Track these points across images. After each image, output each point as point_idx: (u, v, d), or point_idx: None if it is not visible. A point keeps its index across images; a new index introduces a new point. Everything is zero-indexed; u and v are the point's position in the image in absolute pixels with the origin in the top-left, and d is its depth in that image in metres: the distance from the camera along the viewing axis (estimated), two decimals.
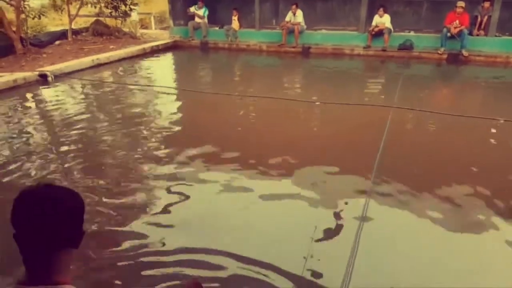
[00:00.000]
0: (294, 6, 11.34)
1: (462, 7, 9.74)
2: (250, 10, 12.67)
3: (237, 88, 7.46)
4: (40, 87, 7.42)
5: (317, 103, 6.26)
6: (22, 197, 0.98)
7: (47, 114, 5.85)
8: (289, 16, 11.50)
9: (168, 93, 7.12)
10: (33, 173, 3.87)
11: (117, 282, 2.45)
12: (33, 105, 6.50)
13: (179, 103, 6.82)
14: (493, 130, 5.11)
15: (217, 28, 12.94)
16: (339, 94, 6.95)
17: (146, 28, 16.77)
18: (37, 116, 5.80)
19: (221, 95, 6.76)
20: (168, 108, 6.21)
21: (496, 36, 10.17)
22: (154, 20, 17.07)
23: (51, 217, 0.97)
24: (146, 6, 18.78)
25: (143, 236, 2.85)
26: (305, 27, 11.54)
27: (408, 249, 2.79)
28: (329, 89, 7.51)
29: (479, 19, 10.27)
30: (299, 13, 11.36)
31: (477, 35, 10.26)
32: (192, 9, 12.58)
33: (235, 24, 12.19)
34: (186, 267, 2.52)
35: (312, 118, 5.85)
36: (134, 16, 15.96)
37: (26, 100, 6.74)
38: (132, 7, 13.77)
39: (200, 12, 12.46)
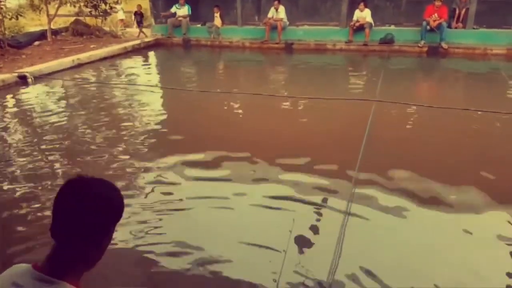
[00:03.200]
0: (276, 2, 11.36)
1: (440, 0, 9.91)
2: (232, 7, 12.63)
3: (221, 85, 7.45)
4: (20, 89, 7.28)
5: (296, 96, 6.32)
6: (68, 183, 0.98)
7: (27, 117, 5.75)
8: (271, 12, 11.52)
9: (151, 92, 7.07)
10: (14, 176, 3.81)
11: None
12: (12, 107, 6.38)
13: (162, 101, 6.79)
14: (474, 121, 5.24)
15: (199, 25, 12.88)
16: (322, 89, 7.01)
17: (127, 26, 16.57)
18: (17, 119, 5.70)
19: (205, 93, 6.75)
20: (151, 106, 6.18)
21: (473, 28, 10.37)
22: (135, 18, 16.86)
23: (88, 209, 0.96)
24: (127, 4, 18.53)
25: (125, 236, 2.85)
26: (287, 23, 11.58)
27: (393, 240, 2.86)
28: (313, 84, 7.56)
29: (457, 12, 10.47)
30: (282, 9, 11.39)
31: (456, 27, 10.46)
32: (173, 9, 12.49)
33: (217, 21, 12.14)
34: (170, 265, 2.54)
35: (296, 113, 5.89)
36: (121, 14, 15.77)
37: (5, 102, 6.60)
38: (113, 5, 13.58)
39: (184, 10, 12.37)
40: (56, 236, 0.97)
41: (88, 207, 0.96)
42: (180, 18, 12.39)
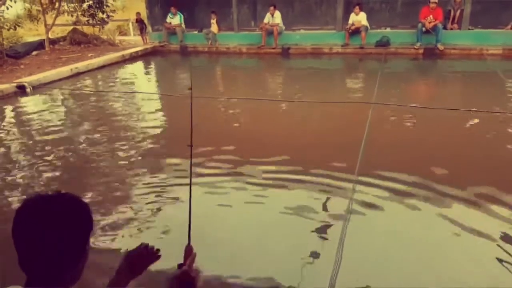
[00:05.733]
0: (272, 8, 11.42)
1: (435, 2, 9.96)
2: (228, 12, 12.70)
3: (219, 90, 7.49)
4: (19, 99, 7.31)
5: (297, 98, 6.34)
6: (24, 207, 0.91)
7: (26, 127, 5.77)
8: (267, 18, 11.58)
9: (150, 99, 7.11)
10: (12, 188, 3.83)
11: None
12: (11, 118, 6.40)
13: (160, 108, 6.81)
14: (473, 121, 5.25)
15: (196, 32, 12.94)
16: (320, 92, 7.04)
17: (124, 34, 16.64)
18: (16, 129, 5.73)
19: (205, 99, 6.76)
20: (150, 114, 6.19)
21: (469, 29, 10.42)
22: (132, 26, 16.95)
23: (52, 230, 0.89)
24: (124, 13, 18.65)
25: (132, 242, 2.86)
26: (283, 28, 11.63)
27: (393, 246, 2.87)
28: (310, 88, 7.59)
29: (452, 13, 10.52)
30: (277, 14, 11.44)
31: (451, 29, 10.50)
32: (168, 19, 12.57)
33: (214, 27, 12.20)
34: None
35: (294, 117, 5.92)
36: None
37: (4, 113, 6.63)
38: (110, 14, 13.65)
39: (176, 20, 12.45)
40: (28, 268, 0.90)
41: (55, 226, 0.89)
42: (175, 26, 12.45)
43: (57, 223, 0.89)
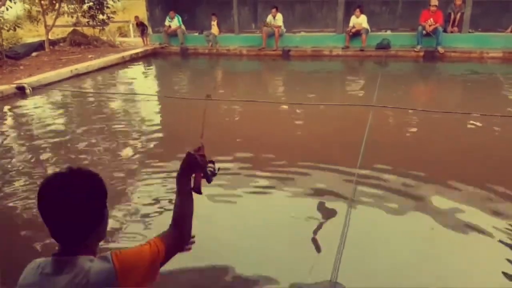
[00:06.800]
0: (274, 10, 11.41)
1: (435, 5, 9.99)
2: (229, 15, 12.70)
3: (220, 93, 7.47)
4: (18, 100, 7.29)
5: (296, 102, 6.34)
6: (46, 183, 1.05)
7: (26, 128, 5.75)
8: (269, 19, 11.57)
9: (150, 101, 7.09)
10: (13, 189, 3.81)
11: None
12: (11, 118, 6.38)
13: (160, 110, 6.80)
14: (472, 124, 5.25)
15: (196, 34, 12.94)
16: (321, 95, 7.03)
17: (125, 36, 16.64)
18: (16, 130, 5.70)
19: (204, 101, 6.74)
20: (150, 115, 6.18)
21: (469, 32, 10.44)
22: (132, 28, 16.95)
23: (74, 198, 1.02)
24: (125, 14, 18.65)
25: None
26: (284, 30, 11.64)
27: (394, 245, 2.85)
28: (311, 90, 7.57)
29: (452, 16, 10.53)
30: (279, 16, 11.44)
31: (451, 32, 10.52)
32: (167, 22, 12.57)
33: (214, 29, 12.20)
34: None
35: (295, 119, 5.90)
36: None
37: (4, 114, 6.60)
38: (110, 15, 13.64)
39: (175, 23, 12.44)
40: (58, 238, 1.06)
41: (74, 200, 1.02)
42: (173, 30, 12.45)
43: (77, 192, 1.03)
